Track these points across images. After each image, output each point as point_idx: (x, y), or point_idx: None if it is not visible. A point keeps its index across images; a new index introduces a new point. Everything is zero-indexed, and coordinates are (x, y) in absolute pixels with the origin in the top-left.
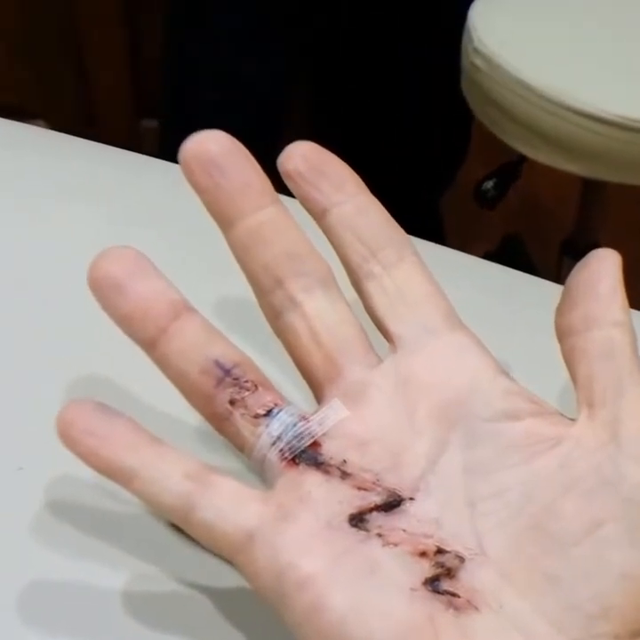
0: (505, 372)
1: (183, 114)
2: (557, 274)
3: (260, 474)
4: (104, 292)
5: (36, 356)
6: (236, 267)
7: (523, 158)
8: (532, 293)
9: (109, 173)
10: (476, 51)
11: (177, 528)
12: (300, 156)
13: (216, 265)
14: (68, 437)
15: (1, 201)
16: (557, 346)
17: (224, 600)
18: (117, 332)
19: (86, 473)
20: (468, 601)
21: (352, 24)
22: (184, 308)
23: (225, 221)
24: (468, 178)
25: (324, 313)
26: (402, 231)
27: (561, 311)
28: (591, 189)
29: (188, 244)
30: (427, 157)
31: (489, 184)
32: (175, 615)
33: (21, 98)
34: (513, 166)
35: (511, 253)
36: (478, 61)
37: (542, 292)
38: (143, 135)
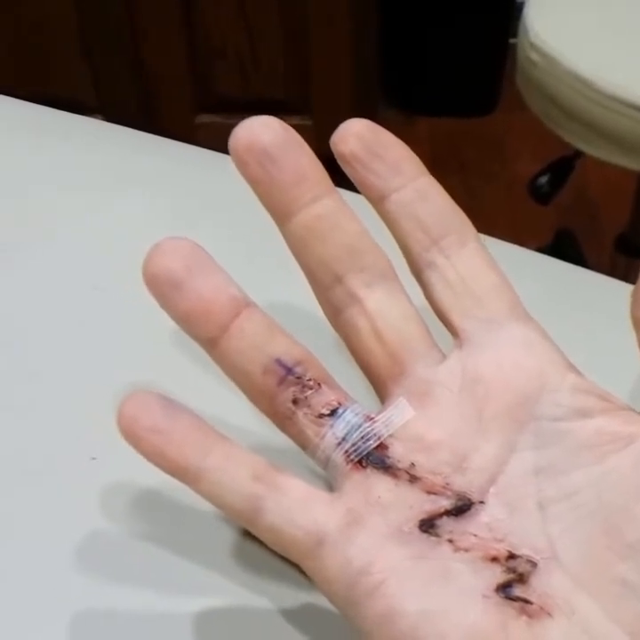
0: (574, 368)
1: None
2: (611, 271)
3: (325, 473)
4: (161, 288)
5: (106, 348)
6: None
7: (577, 154)
8: (588, 288)
9: (168, 166)
10: (532, 46)
11: (248, 533)
12: (355, 137)
13: (276, 260)
14: (131, 435)
15: (60, 194)
16: (617, 340)
17: (296, 620)
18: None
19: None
20: (541, 607)
21: None
22: (245, 304)
23: (280, 215)
24: (522, 173)
25: (385, 309)
26: (463, 215)
27: (637, 299)
28: None
29: (248, 239)
30: None
31: (543, 179)
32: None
33: (79, 93)
34: (567, 162)
35: (564, 250)
36: (534, 56)
37: (598, 286)
38: (199, 131)
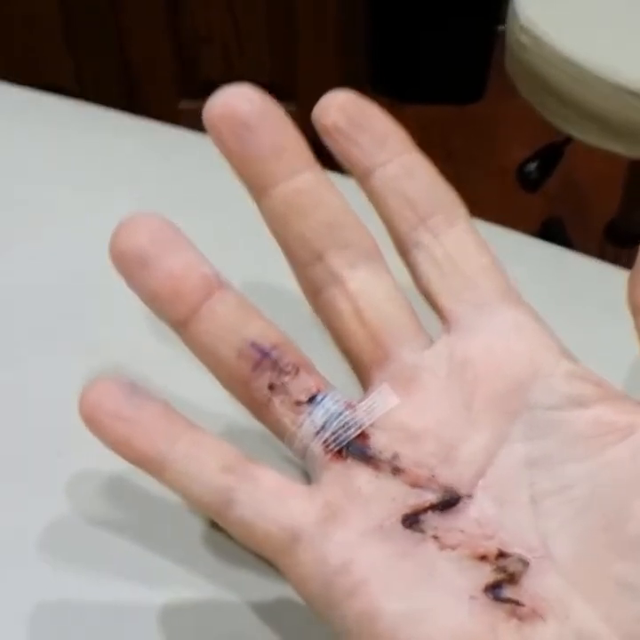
0: (568, 353)
1: None
2: (599, 259)
3: (303, 465)
4: (128, 266)
5: (77, 339)
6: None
7: (566, 140)
8: (577, 271)
9: (150, 148)
10: (522, 28)
11: (216, 525)
12: (338, 109)
13: (253, 241)
14: (93, 422)
15: (39, 177)
16: (610, 326)
17: (267, 613)
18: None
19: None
20: (533, 610)
21: None
22: (217, 284)
23: (257, 188)
24: (510, 161)
25: (368, 289)
26: (453, 193)
27: (634, 283)
28: (637, 172)
29: (226, 220)
30: None
31: (532, 166)
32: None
33: (60, 77)
34: (556, 148)
35: (552, 238)
36: (524, 39)
37: (588, 270)
38: (183, 116)
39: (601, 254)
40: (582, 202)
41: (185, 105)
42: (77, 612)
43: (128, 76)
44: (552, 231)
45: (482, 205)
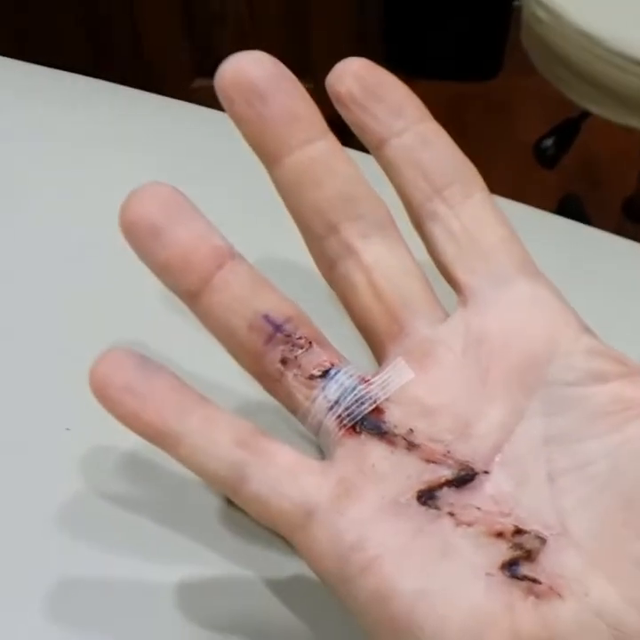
0: (588, 329)
1: None
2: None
3: (317, 441)
4: (138, 237)
5: (87, 313)
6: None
7: (583, 115)
8: (596, 247)
9: (161, 124)
10: (538, 3)
11: (231, 501)
12: (353, 76)
13: (267, 214)
14: (104, 396)
15: (57, 151)
16: (629, 301)
17: (282, 589)
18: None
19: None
20: (551, 587)
21: None
22: (229, 255)
23: (269, 158)
24: (527, 137)
25: (383, 262)
26: (469, 164)
27: None
28: None
29: (238, 193)
30: None
31: (548, 142)
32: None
33: (74, 56)
34: (573, 123)
35: (569, 215)
36: (540, 13)
37: (607, 245)
38: (196, 95)
39: (619, 231)
40: (600, 178)
41: (199, 83)
42: (92, 588)
43: (142, 55)
44: (569, 208)
45: (498, 182)
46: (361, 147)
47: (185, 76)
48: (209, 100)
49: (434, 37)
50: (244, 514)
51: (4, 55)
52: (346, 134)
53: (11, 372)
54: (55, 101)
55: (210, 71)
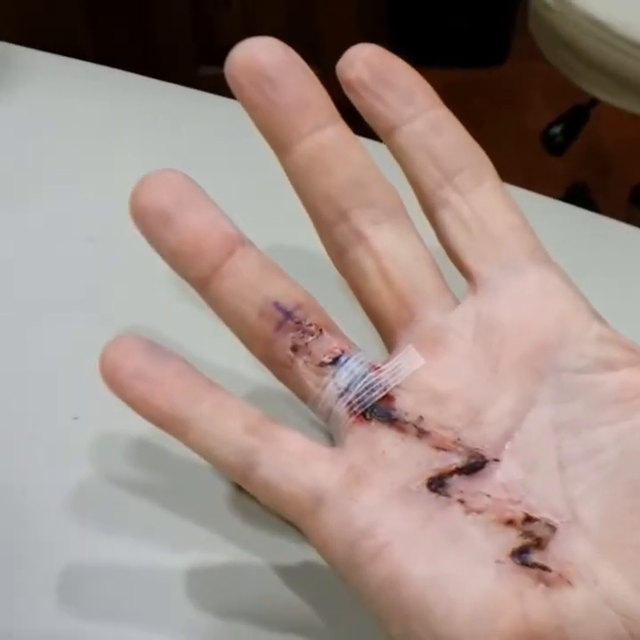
0: (598, 316)
1: None
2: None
3: (327, 427)
4: (149, 223)
5: (94, 303)
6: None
7: (592, 102)
8: (605, 235)
9: (168, 111)
10: None
11: (241, 487)
12: (363, 62)
13: (278, 202)
14: (113, 381)
15: (61, 137)
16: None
17: (291, 576)
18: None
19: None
20: (560, 575)
21: None
22: (239, 242)
23: (280, 144)
24: (535, 125)
25: (394, 248)
26: (480, 150)
27: None
28: None
29: (248, 183)
30: None
31: (557, 129)
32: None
33: (77, 42)
34: (582, 111)
35: (577, 203)
36: None
37: (616, 233)
38: (201, 83)
39: (627, 218)
40: (608, 166)
41: (204, 71)
42: (101, 575)
43: (146, 42)
44: (577, 196)
45: (506, 170)
46: (371, 134)
47: (190, 64)
48: (214, 87)
49: (440, 24)
50: (253, 501)
51: (5, 40)
52: (356, 121)
53: (18, 362)
54: (57, 87)
55: (215, 59)
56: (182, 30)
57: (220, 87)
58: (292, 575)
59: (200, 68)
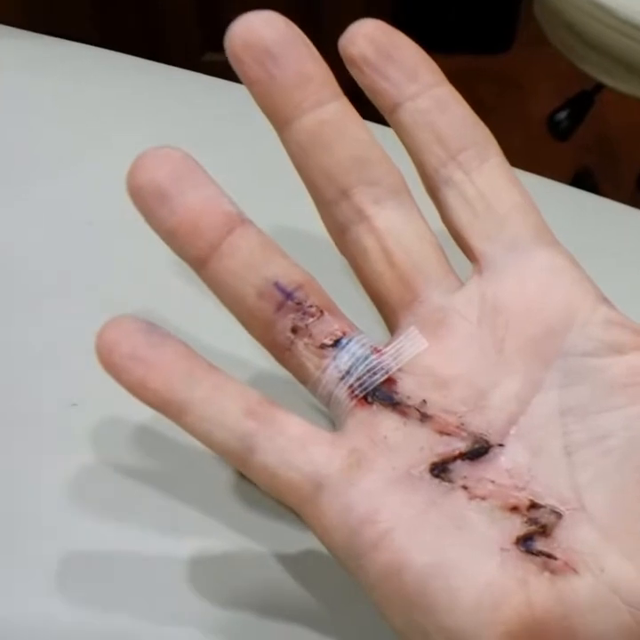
0: (606, 299)
1: None
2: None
3: (327, 412)
4: (146, 201)
5: (93, 288)
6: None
7: (597, 88)
8: (611, 218)
9: (172, 93)
10: None
11: (241, 473)
12: (365, 38)
13: (278, 181)
14: (110, 363)
15: (64, 120)
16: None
17: (293, 563)
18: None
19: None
20: (566, 563)
21: None
22: (239, 220)
23: (280, 120)
24: (540, 111)
25: (396, 228)
26: (485, 128)
27: None
28: None
29: (249, 164)
30: None
31: (562, 115)
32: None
33: (82, 28)
34: (587, 96)
35: (583, 188)
36: None
37: (622, 217)
38: (206, 69)
39: (633, 204)
40: (614, 151)
41: (208, 57)
42: (101, 562)
43: (151, 28)
44: (583, 182)
45: (512, 155)
46: (372, 116)
47: (194, 49)
48: (219, 73)
49: (445, 11)
50: (255, 487)
51: (10, 25)
52: (360, 102)
53: (17, 347)
54: (60, 71)
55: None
56: (188, 16)
57: (226, 74)
58: (293, 563)
59: (205, 54)
